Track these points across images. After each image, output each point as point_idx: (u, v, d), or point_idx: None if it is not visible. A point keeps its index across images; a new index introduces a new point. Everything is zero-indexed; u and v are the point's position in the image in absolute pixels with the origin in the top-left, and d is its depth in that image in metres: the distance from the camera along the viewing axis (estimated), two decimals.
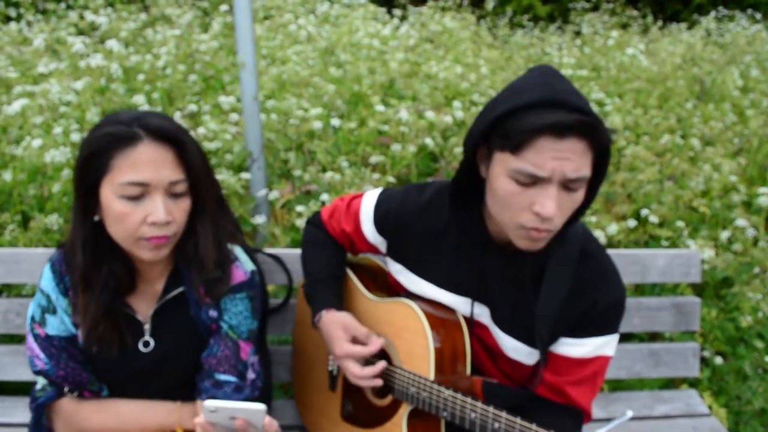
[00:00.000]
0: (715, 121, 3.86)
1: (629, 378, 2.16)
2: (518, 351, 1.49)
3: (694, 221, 3.00)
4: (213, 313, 1.51)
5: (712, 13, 7.45)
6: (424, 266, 1.57)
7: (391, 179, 2.77)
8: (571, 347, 1.46)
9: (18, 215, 2.47)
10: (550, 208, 1.24)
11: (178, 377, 1.55)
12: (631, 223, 2.80)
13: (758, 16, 7.67)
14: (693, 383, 2.51)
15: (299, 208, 2.58)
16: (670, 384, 2.49)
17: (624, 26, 6.95)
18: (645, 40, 6.14)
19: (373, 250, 1.68)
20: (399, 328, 1.56)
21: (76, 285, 1.46)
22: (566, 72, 4.41)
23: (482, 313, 1.51)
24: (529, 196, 1.26)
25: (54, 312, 1.50)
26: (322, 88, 3.33)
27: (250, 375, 1.55)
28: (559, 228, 1.31)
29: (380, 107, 3.06)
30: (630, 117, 3.71)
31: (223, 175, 2.54)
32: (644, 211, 2.89)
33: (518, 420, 1.32)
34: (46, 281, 1.51)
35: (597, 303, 1.43)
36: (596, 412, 2.09)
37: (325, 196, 2.58)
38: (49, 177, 2.55)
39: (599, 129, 1.24)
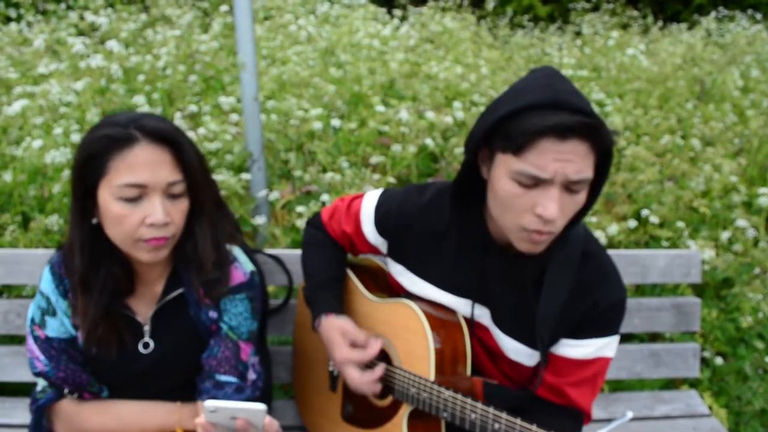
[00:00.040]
0: (716, 122, 3.86)
1: (629, 378, 2.16)
2: (519, 352, 1.49)
3: (695, 222, 3.00)
4: (213, 314, 1.51)
5: (713, 14, 7.45)
6: (424, 267, 1.57)
7: (391, 180, 2.77)
8: (571, 348, 1.46)
9: (18, 216, 2.47)
10: (552, 209, 1.24)
11: (177, 378, 1.55)
12: (632, 223, 2.80)
13: (758, 16, 7.67)
14: (693, 384, 2.51)
15: (299, 209, 2.58)
16: (671, 384, 2.49)
17: (624, 26, 6.95)
18: (645, 40, 6.14)
19: (374, 250, 1.68)
20: (399, 329, 1.56)
21: (75, 287, 1.46)
22: (566, 72, 4.41)
23: (483, 315, 1.51)
24: (531, 197, 1.26)
25: (54, 314, 1.50)
26: (322, 89, 3.33)
27: (251, 375, 1.55)
28: (560, 230, 1.31)
29: (380, 107, 3.06)
30: (630, 117, 3.71)
31: (223, 176, 2.54)
32: (644, 212, 2.89)
33: (518, 421, 1.32)
34: (46, 283, 1.51)
35: (597, 304, 1.43)
36: (597, 412, 2.09)
37: (325, 197, 2.58)
38: (49, 178, 2.55)
39: (601, 131, 1.24)
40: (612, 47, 5.34)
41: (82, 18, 4.17)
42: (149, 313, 1.52)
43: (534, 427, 1.30)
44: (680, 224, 2.82)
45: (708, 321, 2.66)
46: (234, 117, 2.97)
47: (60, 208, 2.46)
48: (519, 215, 1.28)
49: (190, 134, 2.67)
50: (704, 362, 2.64)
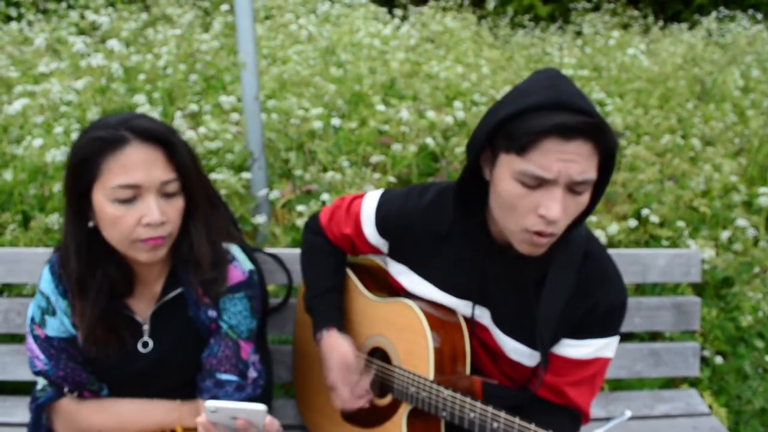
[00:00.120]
0: (716, 121, 3.86)
1: (629, 377, 2.16)
2: (519, 352, 1.49)
3: (695, 221, 3.00)
4: (212, 313, 1.51)
5: (713, 14, 7.45)
6: (425, 268, 1.56)
7: (391, 179, 2.77)
8: (571, 348, 1.46)
9: (19, 215, 2.48)
10: (556, 210, 1.24)
11: (177, 378, 1.55)
12: (632, 222, 2.80)
13: (759, 16, 7.66)
14: (693, 383, 2.51)
15: (300, 208, 2.58)
16: (671, 383, 2.49)
17: (625, 26, 6.94)
18: (646, 40, 6.14)
19: (375, 251, 1.68)
20: (399, 328, 1.56)
21: (72, 290, 1.46)
22: (567, 72, 4.41)
23: (483, 315, 1.51)
24: (534, 198, 1.25)
25: (53, 313, 1.50)
26: (322, 88, 3.33)
27: (252, 374, 1.55)
28: (562, 231, 1.30)
29: (381, 107, 3.06)
30: (631, 117, 3.71)
31: (223, 175, 2.54)
32: (645, 211, 2.89)
33: (517, 420, 1.32)
34: (46, 283, 1.51)
35: (598, 305, 1.43)
36: (596, 411, 2.09)
37: (325, 196, 2.58)
38: (49, 177, 2.55)
39: (605, 131, 1.23)
40: (613, 47, 5.34)
41: (82, 17, 4.17)
42: (148, 312, 1.52)
43: (532, 426, 1.30)
44: (680, 224, 2.82)
45: (708, 320, 2.66)
46: (234, 116, 2.97)
47: (60, 207, 2.46)
48: (522, 216, 1.28)
49: (191, 133, 2.69)
50: (704, 361, 2.64)
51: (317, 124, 2.89)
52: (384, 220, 1.59)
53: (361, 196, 1.67)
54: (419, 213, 1.54)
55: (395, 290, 1.67)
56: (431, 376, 1.47)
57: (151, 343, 1.52)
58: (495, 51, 4.97)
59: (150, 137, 1.35)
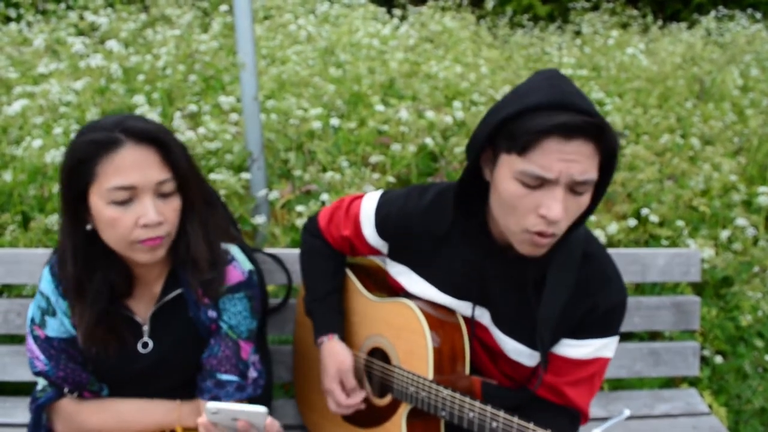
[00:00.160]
0: (715, 121, 3.86)
1: (629, 377, 2.16)
2: (519, 352, 1.49)
3: (694, 220, 3.00)
4: (212, 314, 1.52)
5: (712, 13, 7.45)
6: (425, 269, 1.56)
7: (391, 179, 2.77)
8: (571, 348, 1.46)
9: (18, 216, 2.48)
10: (557, 210, 1.23)
11: (177, 378, 1.55)
12: (631, 222, 2.80)
13: (758, 15, 7.66)
14: (693, 382, 2.52)
15: (299, 208, 2.58)
16: (670, 383, 2.50)
17: (624, 26, 6.95)
18: (645, 39, 6.14)
19: (375, 252, 1.67)
20: (398, 328, 1.57)
21: (70, 293, 1.46)
22: (566, 72, 4.41)
23: (482, 315, 1.51)
24: (535, 198, 1.25)
25: (53, 314, 1.50)
26: (321, 88, 3.33)
27: (252, 373, 1.55)
28: (563, 232, 1.30)
29: (380, 107, 3.06)
30: (630, 116, 3.71)
31: (223, 175, 2.54)
32: (644, 211, 2.89)
33: (516, 419, 1.32)
34: (46, 283, 1.51)
35: (598, 305, 1.43)
36: (596, 411, 2.09)
37: (325, 196, 2.58)
38: (49, 177, 2.55)
39: (606, 131, 1.23)
40: (612, 46, 5.34)
41: (81, 18, 4.17)
42: (148, 313, 1.52)
43: (531, 425, 1.30)
44: (680, 223, 2.83)
45: (708, 319, 2.66)
46: (234, 116, 2.97)
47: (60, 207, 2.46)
48: (522, 216, 1.28)
49: (190, 134, 2.68)
50: (704, 361, 2.64)
51: (316, 125, 2.89)
52: (383, 221, 1.59)
53: (360, 197, 1.67)
54: (419, 214, 1.54)
55: (394, 290, 1.67)
56: (430, 375, 1.47)
57: (151, 344, 1.52)
58: (494, 51, 4.97)
59: (144, 138, 1.35)
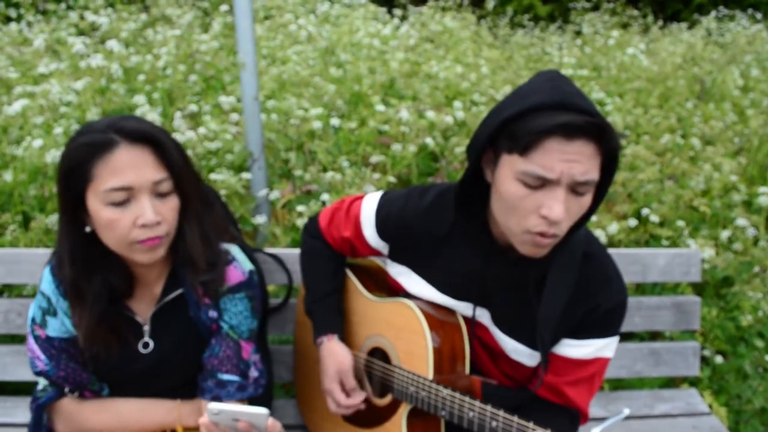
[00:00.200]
0: (716, 121, 3.86)
1: (630, 377, 2.16)
2: (519, 352, 1.49)
3: (695, 221, 3.00)
4: (213, 314, 1.52)
5: (713, 13, 7.45)
6: (426, 269, 1.56)
7: (391, 179, 2.77)
8: (571, 348, 1.46)
9: (19, 215, 2.48)
10: (558, 210, 1.23)
11: (178, 378, 1.55)
12: (632, 222, 2.80)
13: (759, 15, 7.67)
14: (693, 382, 2.52)
15: (300, 208, 2.58)
16: (671, 383, 2.50)
17: (624, 26, 6.95)
18: (645, 39, 6.14)
19: (375, 253, 1.67)
20: (398, 328, 1.57)
21: (68, 294, 1.46)
22: (567, 72, 4.41)
23: (482, 315, 1.51)
24: (537, 199, 1.25)
25: (54, 314, 1.50)
26: (322, 88, 3.33)
27: (253, 373, 1.55)
28: (564, 233, 1.30)
29: (380, 107, 3.06)
30: (630, 116, 3.71)
31: (223, 175, 2.54)
32: (645, 211, 2.89)
33: (515, 419, 1.32)
34: (46, 283, 1.51)
35: (599, 306, 1.43)
36: (597, 411, 2.09)
37: (325, 196, 2.58)
38: (49, 177, 2.55)
39: (608, 132, 1.23)
40: (612, 47, 5.34)
41: (82, 18, 4.17)
42: (149, 313, 1.52)
43: (531, 425, 1.30)
44: (680, 223, 2.83)
45: (708, 320, 2.66)
46: (234, 116, 2.97)
47: None
48: (524, 217, 1.27)
49: (191, 134, 2.68)
50: (704, 361, 2.64)
51: (317, 125, 2.89)
52: (384, 222, 1.59)
53: (360, 198, 1.67)
54: (419, 214, 1.54)
55: (394, 290, 1.67)
56: (430, 375, 1.47)
57: (151, 344, 1.52)
58: (494, 51, 4.97)
59: (138, 138, 1.35)
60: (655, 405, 2.15)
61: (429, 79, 3.85)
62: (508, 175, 1.27)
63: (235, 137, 2.85)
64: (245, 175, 2.62)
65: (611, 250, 1.91)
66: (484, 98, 3.63)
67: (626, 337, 2.49)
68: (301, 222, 2.54)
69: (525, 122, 1.23)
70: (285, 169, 3.00)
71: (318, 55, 4.05)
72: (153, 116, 2.68)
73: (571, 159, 1.21)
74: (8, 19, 5.08)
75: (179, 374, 1.55)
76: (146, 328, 1.52)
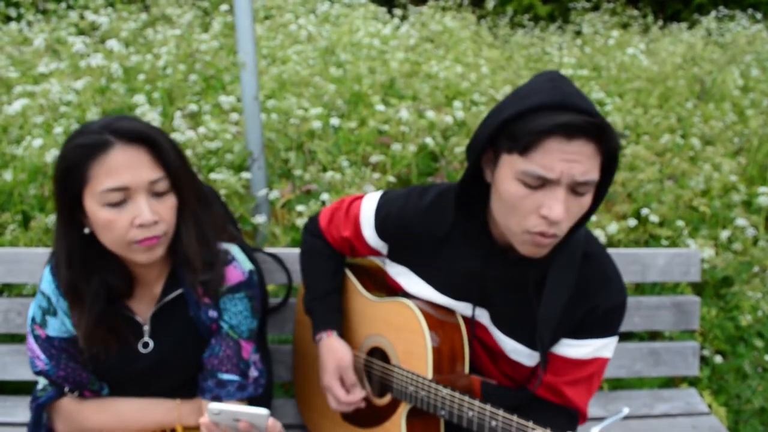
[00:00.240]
0: (716, 121, 3.86)
1: (629, 377, 2.16)
2: (519, 352, 1.49)
3: (694, 220, 3.00)
4: (213, 314, 1.52)
5: (713, 13, 7.45)
6: (425, 269, 1.56)
7: (391, 179, 2.78)
8: (570, 348, 1.46)
9: (19, 215, 2.48)
10: (558, 210, 1.23)
11: (177, 378, 1.55)
12: (632, 222, 2.81)
13: (759, 15, 7.67)
14: (693, 382, 2.52)
15: (300, 208, 2.58)
16: (670, 383, 2.50)
17: (624, 26, 6.95)
18: (645, 39, 6.14)
19: (375, 253, 1.67)
20: (397, 328, 1.57)
21: (66, 296, 1.46)
22: (567, 72, 4.42)
23: (482, 315, 1.52)
24: (536, 198, 1.25)
25: (54, 314, 1.50)
26: (322, 88, 3.33)
27: (253, 373, 1.55)
28: (564, 233, 1.30)
29: (380, 107, 3.06)
30: (630, 116, 3.71)
31: (223, 175, 2.54)
32: (644, 211, 2.89)
33: (515, 418, 1.32)
34: (46, 283, 1.51)
35: (598, 306, 1.43)
36: (596, 410, 2.09)
37: (325, 196, 2.58)
38: (49, 177, 2.55)
39: (608, 132, 1.23)
40: (612, 47, 5.34)
41: (82, 17, 4.17)
42: (149, 313, 1.52)
43: (530, 424, 1.30)
44: (680, 223, 2.83)
45: (707, 319, 2.66)
46: (234, 116, 2.97)
47: None
48: (524, 217, 1.27)
49: (191, 133, 2.69)
50: (704, 361, 2.64)
51: (317, 124, 2.89)
52: (383, 222, 1.59)
53: (360, 198, 1.67)
54: (419, 214, 1.54)
55: (393, 290, 1.67)
56: (430, 375, 1.47)
57: (151, 344, 1.52)
58: (494, 51, 4.97)
59: (134, 138, 1.35)
60: (655, 405, 2.15)
61: (429, 79, 3.85)
62: (508, 175, 1.28)
63: (235, 137, 2.85)
64: (245, 175, 2.62)
65: (611, 250, 1.91)
66: (484, 98, 3.63)
67: (626, 336, 2.50)
68: (300, 222, 2.54)
69: (525, 122, 1.23)
70: (285, 168, 3.00)
71: (318, 54, 4.05)
72: (153, 116, 2.68)
73: (571, 159, 1.21)
74: (8, 19, 5.08)
75: (179, 374, 1.55)
76: (146, 327, 1.52)
